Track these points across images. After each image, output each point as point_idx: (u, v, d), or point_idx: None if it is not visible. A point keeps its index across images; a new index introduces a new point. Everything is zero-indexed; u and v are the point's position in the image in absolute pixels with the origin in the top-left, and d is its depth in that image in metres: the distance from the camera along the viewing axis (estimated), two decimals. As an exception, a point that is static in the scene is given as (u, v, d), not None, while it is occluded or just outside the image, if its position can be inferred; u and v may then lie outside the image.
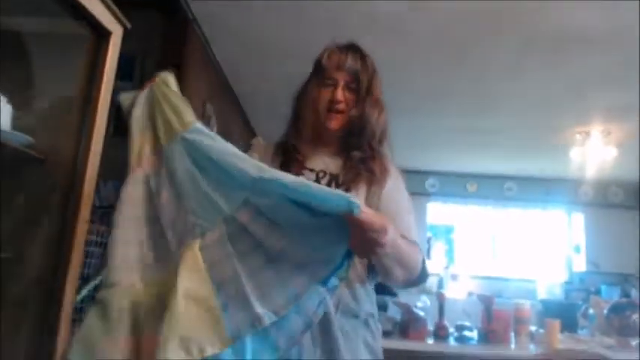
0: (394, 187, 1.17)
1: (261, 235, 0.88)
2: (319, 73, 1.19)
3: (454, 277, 6.06)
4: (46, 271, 0.97)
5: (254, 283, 0.86)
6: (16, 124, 1.03)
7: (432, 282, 5.18)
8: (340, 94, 1.15)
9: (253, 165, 0.92)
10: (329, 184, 1.13)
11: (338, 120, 1.17)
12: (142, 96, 1.04)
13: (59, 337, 0.93)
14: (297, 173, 1.13)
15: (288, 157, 1.16)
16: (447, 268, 6.16)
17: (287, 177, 0.88)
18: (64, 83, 1.00)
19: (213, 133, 0.99)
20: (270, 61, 3.42)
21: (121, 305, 0.88)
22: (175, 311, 0.83)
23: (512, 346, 2.61)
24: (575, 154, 4.78)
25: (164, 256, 0.93)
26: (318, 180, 1.14)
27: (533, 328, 2.81)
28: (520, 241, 6.54)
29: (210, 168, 0.95)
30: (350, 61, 1.17)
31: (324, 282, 0.87)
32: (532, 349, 2.55)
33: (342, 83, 1.16)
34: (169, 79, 1.03)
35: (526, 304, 2.70)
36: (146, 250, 0.94)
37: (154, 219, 0.96)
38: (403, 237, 1.02)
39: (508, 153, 5.54)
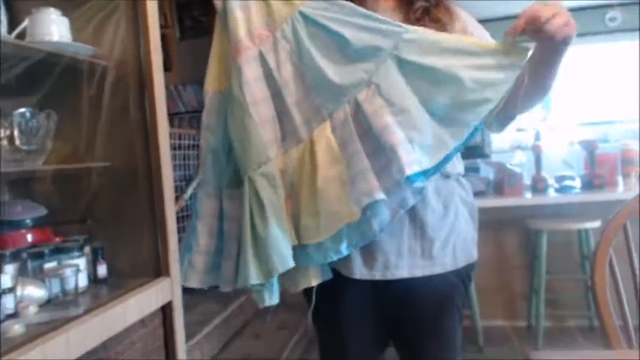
0: (471, 26, 1.06)
1: (371, 113, 0.92)
2: None
3: (552, 129, 5.73)
4: (142, 175, 1.08)
5: (373, 161, 0.91)
6: (74, 35, 1.07)
7: (527, 137, 4.95)
8: None
9: (383, 35, 0.93)
10: None
11: None
12: None
13: (169, 231, 1.06)
14: None
15: None
16: (543, 119, 5.82)
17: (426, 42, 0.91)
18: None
19: (334, 2, 0.96)
20: None
21: (276, 175, 0.97)
22: (317, 192, 0.93)
23: (620, 189, 2.48)
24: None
25: (291, 130, 0.98)
26: None
27: (643, 168, 2.64)
28: (625, 78, 5.90)
29: (334, 44, 0.95)
30: None
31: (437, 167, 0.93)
32: (642, 189, 2.42)
33: None
34: None
35: (634, 144, 2.51)
36: (277, 125, 0.99)
37: (276, 94, 0.98)
38: None
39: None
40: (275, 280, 0.96)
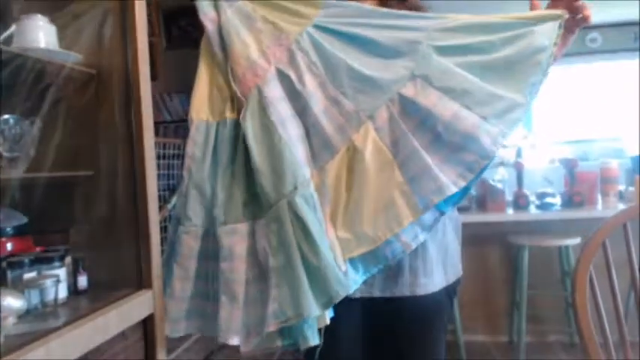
0: None
1: (430, 105, 0.88)
2: None
3: (533, 146, 5.83)
4: (126, 184, 1.07)
5: (431, 154, 0.89)
6: (61, 43, 1.06)
7: (509, 154, 5.03)
8: None
9: (412, 30, 0.91)
10: None
11: None
12: None
13: (152, 243, 1.04)
14: None
15: None
16: (525, 137, 5.92)
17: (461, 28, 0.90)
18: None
19: (341, 10, 0.94)
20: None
21: (315, 195, 0.92)
22: (367, 196, 0.89)
23: (599, 206, 2.53)
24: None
25: (322, 144, 0.94)
26: None
27: (621, 187, 2.69)
28: (606, 98, 6.05)
29: (359, 47, 0.92)
30: None
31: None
32: (621, 207, 2.47)
33: None
34: None
35: (613, 163, 2.57)
36: (307, 144, 0.94)
37: (303, 109, 0.93)
38: None
39: None
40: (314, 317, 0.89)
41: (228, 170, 0.96)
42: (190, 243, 0.97)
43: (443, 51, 0.90)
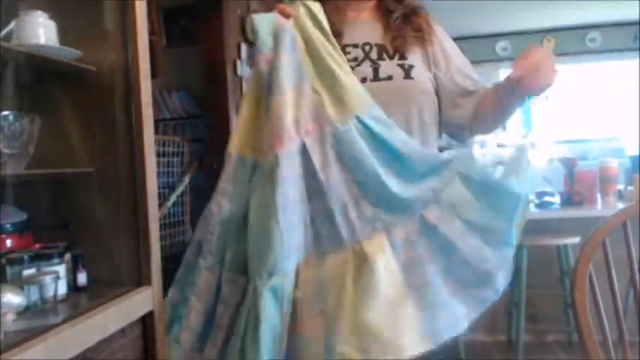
0: (445, 40, 1.11)
1: (453, 236, 0.87)
2: None
3: (532, 146, 5.83)
4: (126, 182, 1.07)
5: (444, 282, 0.87)
6: (61, 39, 1.06)
7: (508, 153, 5.03)
8: None
9: (439, 157, 0.92)
10: (379, 57, 1.05)
11: None
12: (285, 35, 0.89)
13: (151, 240, 1.05)
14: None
15: None
16: (524, 137, 5.92)
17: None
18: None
19: (385, 119, 0.91)
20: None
21: (286, 291, 0.87)
22: (371, 314, 0.83)
23: (598, 206, 2.53)
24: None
25: (329, 234, 0.89)
26: (366, 55, 1.06)
27: (621, 186, 2.70)
28: (605, 98, 6.05)
29: (391, 156, 0.89)
30: None
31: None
32: (620, 206, 2.47)
33: None
34: (315, 9, 0.91)
35: (612, 162, 2.57)
36: (310, 228, 0.90)
37: (317, 194, 0.89)
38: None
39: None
40: None
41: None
42: (210, 279, 0.96)
43: (468, 181, 0.89)
